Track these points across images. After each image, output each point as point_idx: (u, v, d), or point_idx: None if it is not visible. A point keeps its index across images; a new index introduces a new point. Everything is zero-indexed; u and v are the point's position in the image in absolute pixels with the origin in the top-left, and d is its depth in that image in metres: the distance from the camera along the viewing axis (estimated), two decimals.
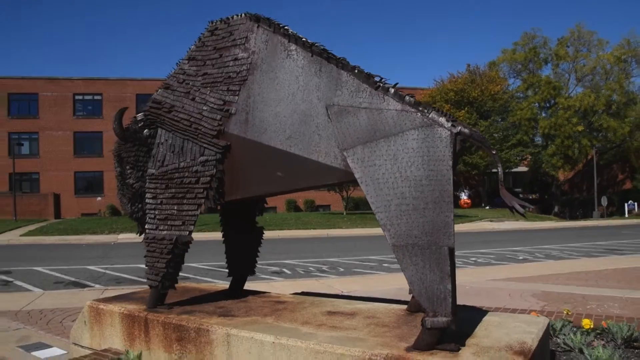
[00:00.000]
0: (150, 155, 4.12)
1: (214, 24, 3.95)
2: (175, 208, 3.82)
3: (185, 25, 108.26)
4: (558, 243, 17.31)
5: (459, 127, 2.88)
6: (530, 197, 46.79)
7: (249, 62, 3.64)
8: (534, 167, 43.47)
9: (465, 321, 3.26)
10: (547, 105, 42.88)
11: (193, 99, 3.83)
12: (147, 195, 3.96)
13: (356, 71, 3.22)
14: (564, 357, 3.60)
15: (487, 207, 40.98)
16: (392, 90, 3.09)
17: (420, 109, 2.98)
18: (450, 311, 2.70)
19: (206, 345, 3.37)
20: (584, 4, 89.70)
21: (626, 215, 36.72)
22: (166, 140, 3.99)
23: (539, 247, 16.19)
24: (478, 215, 33.86)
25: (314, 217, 32.07)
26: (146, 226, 3.96)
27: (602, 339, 3.89)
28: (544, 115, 42.41)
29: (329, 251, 16.03)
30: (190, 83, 3.90)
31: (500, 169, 3.02)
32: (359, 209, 38.23)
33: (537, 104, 42.54)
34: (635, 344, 3.73)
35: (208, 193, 3.72)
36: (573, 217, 40.53)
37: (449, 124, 2.88)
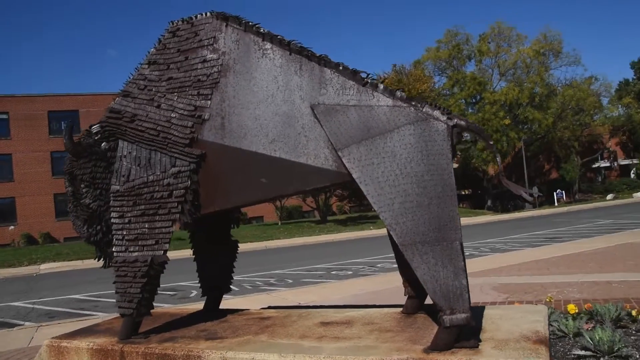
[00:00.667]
0: (111, 171, 3.74)
1: (175, 24, 3.65)
2: (147, 226, 3.47)
3: (106, 36, 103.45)
4: (498, 236, 17.81)
5: (455, 120, 2.84)
6: (463, 193, 48.66)
7: (220, 64, 3.38)
8: (463, 163, 45.08)
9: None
10: (474, 100, 44.71)
11: (158, 106, 3.51)
12: (113, 214, 3.58)
13: (340, 68, 3.08)
14: (560, 344, 3.62)
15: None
16: (382, 86, 2.99)
17: (413, 103, 2.90)
18: (468, 307, 2.60)
19: None
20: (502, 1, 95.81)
21: (556, 204, 38.92)
22: (129, 152, 3.63)
23: (481, 241, 16.52)
24: None
25: (249, 229, 31.19)
26: (114, 249, 3.57)
27: (589, 322, 3.96)
28: (471, 110, 44.22)
29: (272, 263, 15.62)
30: (154, 89, 3.57)
31: (499, 159, 2.98)
32: (292, 218, 37.83)
33: (463, 100, 44.30)
34: (621, 323, 3.83)
35: (183, 207, 3.40)
36: (505, 210, 42.46)
37: (445, 117, 2.83)
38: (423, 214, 2.72)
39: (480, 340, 2.72)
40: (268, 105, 3.23)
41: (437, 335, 2.68)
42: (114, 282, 3.55)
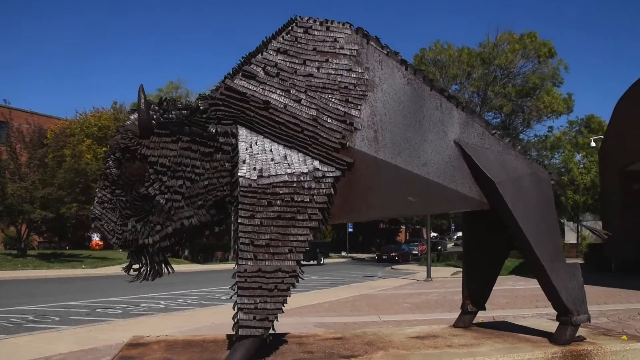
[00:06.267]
0: (215, 159, 3.17)
1: (306, 21, 3.47)
2: (280, 232, 3.03)
3: None
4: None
5: (551, 174, 3.85)
6: None
7: (366, 78, 3.43)
8: None
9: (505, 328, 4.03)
10: None
11: (298, 101, 3.22)
12: (241, 213, 2.97)
13: (476, 114, 3.72)
14: None
15: (121, 250, 39.61)
16: (507, 139, 3.77)
17: (527, 156, 3.79)
18: (587, 310, 3.50)
19: None
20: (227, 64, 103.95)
21: None
22: (255, 143, 3.14)
23: (218, 289, 16.46)
24: (121, 258, 32.59)
25: None
26: (240, 255, 2.93)
27: None
28: None
29: (14, 298, 12.88)
30: (289, 81, 3.26)
31: (569, 209, 4.10)
32: None
33: None
34: None
35: (324, 215, 3.16)
36: (196, 261, 43.30)
37: (547, 172, 3.82)
38: (551, 240, 3.58)
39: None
40: (417, 131, 3.47)
41: (564, 332, 3.47)
42: (240, 296, 2.90)
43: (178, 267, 29.17)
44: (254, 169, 3.06)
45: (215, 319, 8.94)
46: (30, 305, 11.60)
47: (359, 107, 3.33)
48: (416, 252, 42.33)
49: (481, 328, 4.13)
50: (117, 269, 26.39)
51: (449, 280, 19.43)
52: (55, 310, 10.85)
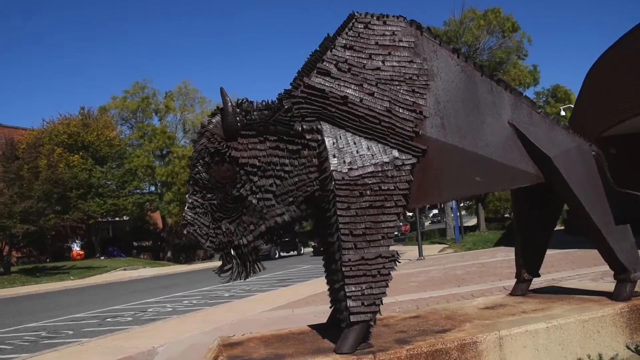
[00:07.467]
0: (303, 156, 3.31)
1: (364, 16, 3.62)
2: (372, 220, 3.22)
3: None
4: (226, 283, 18.00)
5: (593, 146, 4.13)
6: (144, 245, 47.33)
7: (426, 68, 3.62)
8: (139, 214, 43.65)
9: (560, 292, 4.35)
10: (162, 153, 44.90)
11: (371, 94, 3.39)
12: (339, 205, 3.14)
13: (523, 95, 3.96)
14: None
15: (103, 257, 39.06)
16: (551, 116, 4.03)
17: (571, 131, 4.05)
18: None
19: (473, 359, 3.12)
20: (192, 61, 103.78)
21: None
22: (340, 137, 3.30)
23: (217, 287, 16.29)
24: (107, 266, 32.17)
25: None
26: (342, 246, 3.10)
27: None
28: (159, 163, 44.06)
29: (17, 317, 12.57)
30: (360, 75, 3.43)
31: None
32: None
33: (152, 152, 43.90)
34: None
35: (407, 200, 3.36)
36: (178, 261, 42.92)
37: (588, 144, 4.10)
38: (602, 205, 3.87)
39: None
40: (476, 115, 3.71)
41: (624, 289, 3.79)
42: (347, 285, 3.07)
43: (162, 270, 29.47)
44: (344, 162, 3.23)
45: (232, 317, 9.04)
46: (36, 322, 11.47)
47: (424, 96, 3.53)
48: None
49: (537, 294, 4.43)
50: (106, 277, 26.20)
51: (440, 257, 19.98)
52: (65, 324, 10.76)
